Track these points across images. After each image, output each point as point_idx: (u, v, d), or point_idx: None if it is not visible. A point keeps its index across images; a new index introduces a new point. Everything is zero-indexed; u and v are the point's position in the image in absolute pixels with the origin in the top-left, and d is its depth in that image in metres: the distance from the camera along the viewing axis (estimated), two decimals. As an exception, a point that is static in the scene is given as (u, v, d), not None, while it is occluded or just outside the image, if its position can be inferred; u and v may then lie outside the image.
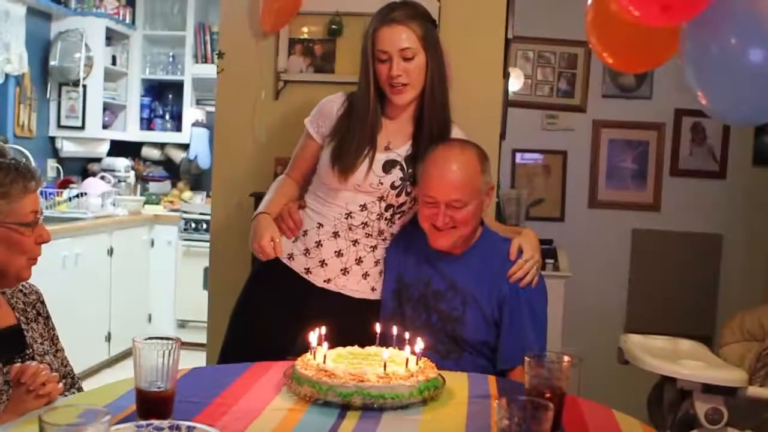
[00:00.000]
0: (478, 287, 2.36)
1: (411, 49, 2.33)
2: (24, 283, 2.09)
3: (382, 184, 2.39)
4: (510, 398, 1.33)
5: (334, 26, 3.43)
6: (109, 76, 6.23)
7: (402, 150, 2.43)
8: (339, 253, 2.43)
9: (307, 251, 2.45)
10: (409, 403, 1.75)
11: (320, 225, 2.44)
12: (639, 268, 5.13)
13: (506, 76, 3.68)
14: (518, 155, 5.19)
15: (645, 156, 5.12)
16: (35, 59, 5.65)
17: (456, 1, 3.35)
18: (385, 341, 2.04)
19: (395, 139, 2.43)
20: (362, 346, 2.03)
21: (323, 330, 1.96)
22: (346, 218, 2.42)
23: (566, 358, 1.64)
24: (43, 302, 2.12)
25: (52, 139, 6.04)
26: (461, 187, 2.27)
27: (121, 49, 6.40)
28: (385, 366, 1.79)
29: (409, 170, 2.41)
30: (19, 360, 1.89)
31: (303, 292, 2.45)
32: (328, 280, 2.45)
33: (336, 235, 2.43)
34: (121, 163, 6.42)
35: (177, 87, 6.55)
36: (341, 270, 2.44)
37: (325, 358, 1.85)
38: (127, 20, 6.34)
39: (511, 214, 4.72)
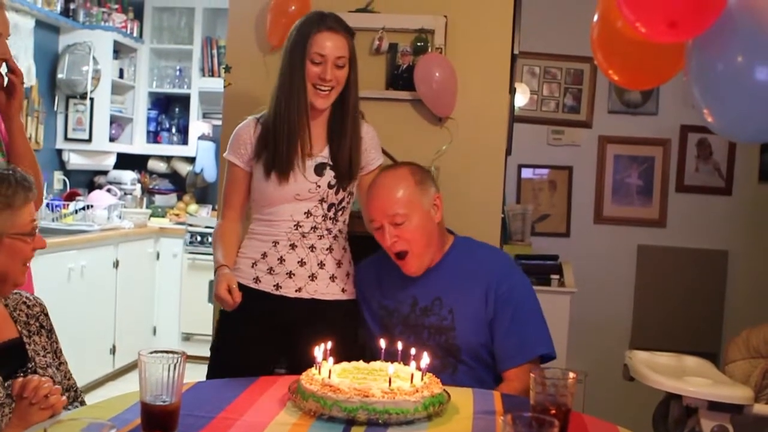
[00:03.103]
0: (463, 290, 2.41)
1: (343, 59, 2.46)
2: (28, 295, 2.09)
3: (319, 186, 2.49)
4: (515, 414, 1.32)
5: (340, 41, 3.44)
6: (117, 89, 6.26)
7: (325, 152, 2.53)
8: (302, 263, 2.50)
9: (271, 269, 2.51)
10: (414, 418, 1.75)
11: (276, 243, 2.51)
12: (644, 284, 5.13)
13: (512, 91, 3.69)
14: (524, 170, 5.20)
15: (651, 172, 5.13)
16: (43, 72, 5.69)
17: (462, 17, 3.36)
18: (390, 357, 2.04)
19: (315, 144, 2.53)
20: (349, 349, 2.20)
21: (329, 345, 1.97)
22: (296, 228, 2.50)
23: (571, 375, 1.64)
24: (46, 315, 2.12)
25: (59, 152, 6.06)
26: (395, 201, 2.35)
27: (129, 62, 6.44)
28: (390, 381, 1.79)
29: (338, 168, 2.51)
30: (21, 373, 1.89)
31: (278, 307, 2.51)
32: (300, 289, 2.51)
33: (293, 246, 2.50)
34: (128, 175, 6.45)
35: (184, 100, 6.58)
36: (309, 277, 2.51)
37: (330, 373, 1.85)
38: (135, 34, 6.38)
39: (517, 230, 4.72)
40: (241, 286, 2.44)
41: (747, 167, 5.01)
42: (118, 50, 6.24)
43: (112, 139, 6.22)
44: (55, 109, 5.94)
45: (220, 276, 2.44)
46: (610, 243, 5.12)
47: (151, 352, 1.57)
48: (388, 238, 2.35)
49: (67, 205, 5.61)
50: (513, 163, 4.85)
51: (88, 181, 6.43)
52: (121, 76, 6.29)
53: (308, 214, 2.50)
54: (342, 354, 2.24)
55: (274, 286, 2.50)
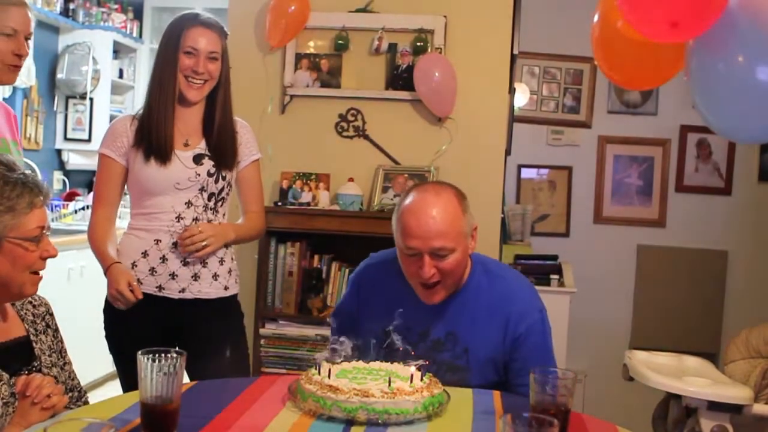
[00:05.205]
0: (479, 327, 2.16)
1: (216, 53, 2.52)
2: (33, 295, 2.09)
3: (199, 175, 2.51)
4: (515, 415, 1.32)
5: (340, 41, 3.45)
6: (116, 89, 6.26)
7: (201, 145, 2.56)
8: (185, 262, 2.51)
9: (153, 270, 2.53)
10: (414, 418, 1.74)
11: (157, 241, 2.52)
12: (644, 284, 5.13)
13: (512, 91, 3.69)
14: (523, 170, 5.20)
15: (650, 172, 5.13)
16: (43, 72, 5.68)
17: (462, 17, 3.37)
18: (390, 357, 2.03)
19: (190, 137, 2.56)
20: (237, 340, 2.54)
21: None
22: (178, 221, 2.51)
23: (571, 375, 1.64)
24: (52, 314, 2.12)
25: (59, 152, 6.06)
26: (444, 233, 2.05)
27: (128, 62, 6.44)
28: (389, 381, 1.79)
29: (216, 157, 2.55)
30: (26, 372, 1.89)
31: (162, 308, 2.53)
32: (183, 290, 2.53)
33: (176, 245, 2.51)
34: (127, 175, 6.44)
35: (183, 100, 6.57)
36: (192, 277, 2.53)
37: (330, 373, 1.85)
38: (134, 34, 6.38)
39: (516, 230, 4.72)
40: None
41: (747, 167, 5.02)
42: (118, 50, 6.24)
43: (111, 139, 6.21)
44: (55, 109, 5.94)
45: (116, 272, 2.49)
46: (609, 243, 5.12)
47: (151, 352, 1.57)
48: (426, 269, 2.05)
49: (67, 205, 5.61)
50: (513, 163, 4.85)
51: (87, 181, 6.42)
52: (120, 76, 6.28)
53: (189, 204, 2.51)
54: (236, 346, 2.57)
55: (156, 287, 2.52)
